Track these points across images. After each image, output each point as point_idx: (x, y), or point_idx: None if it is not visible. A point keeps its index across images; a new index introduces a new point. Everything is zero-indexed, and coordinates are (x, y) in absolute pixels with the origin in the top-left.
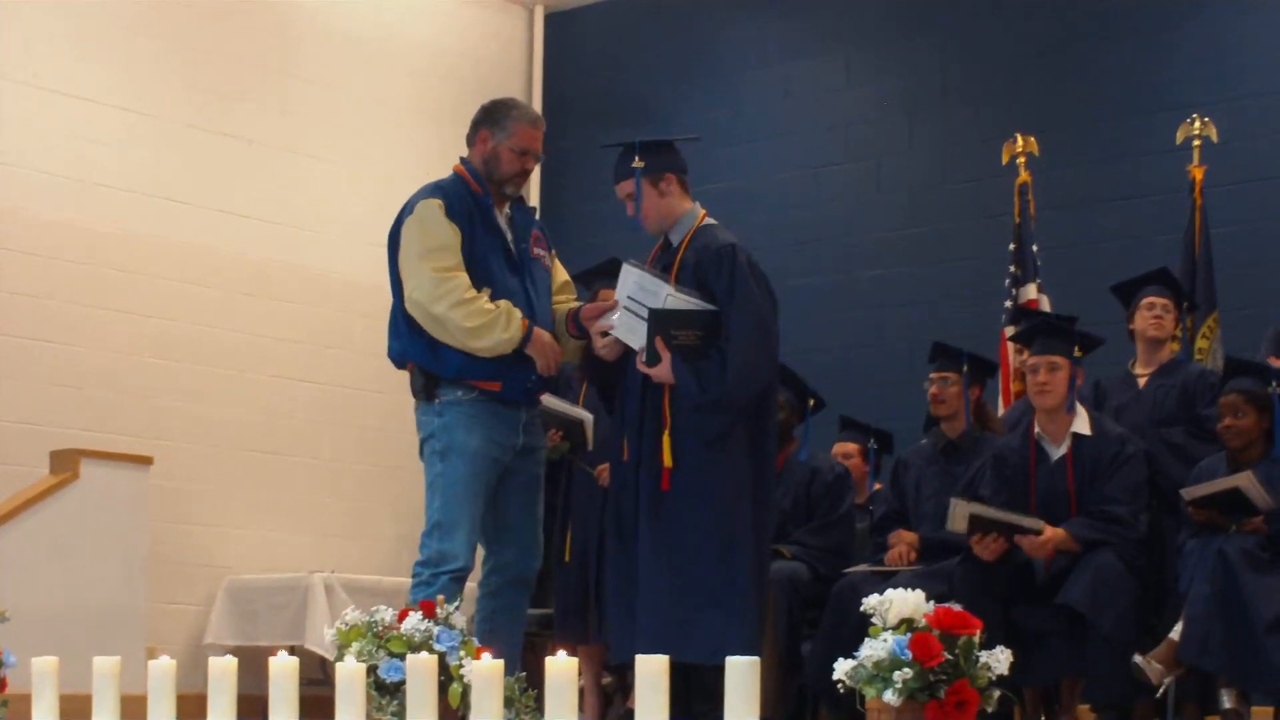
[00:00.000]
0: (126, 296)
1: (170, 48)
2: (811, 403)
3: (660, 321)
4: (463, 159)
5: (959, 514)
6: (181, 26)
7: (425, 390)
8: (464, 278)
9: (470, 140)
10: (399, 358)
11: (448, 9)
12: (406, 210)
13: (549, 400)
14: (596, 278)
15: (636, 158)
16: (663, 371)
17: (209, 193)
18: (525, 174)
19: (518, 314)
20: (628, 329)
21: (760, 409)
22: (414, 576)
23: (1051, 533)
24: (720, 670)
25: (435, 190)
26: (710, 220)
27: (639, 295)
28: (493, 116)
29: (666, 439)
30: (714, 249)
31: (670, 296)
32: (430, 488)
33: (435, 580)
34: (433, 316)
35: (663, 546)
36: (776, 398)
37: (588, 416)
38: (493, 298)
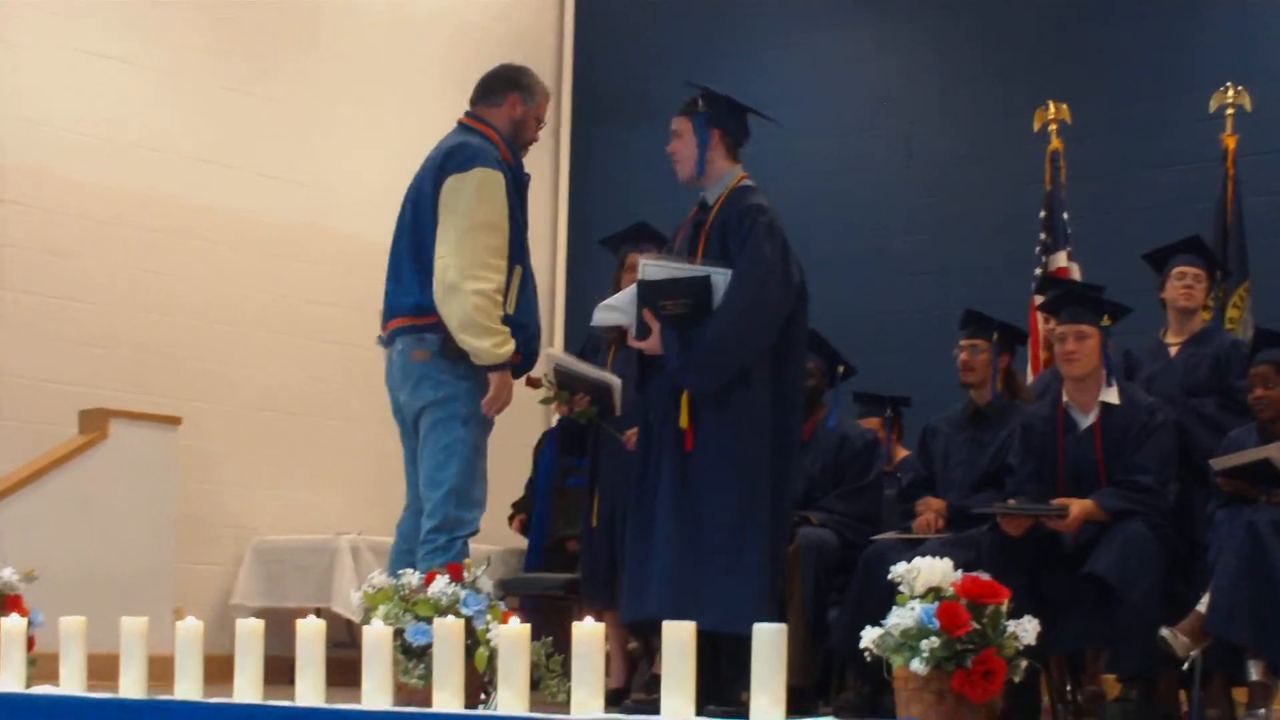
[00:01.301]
0: (155, 257)
1: (199, 11)
2: (842, 370)
3: (646, 293)
4: (487, 121)
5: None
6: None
7: (454, 349)
8: (503, 270)
9: (496, 101)
10: (418, 309)
11: None
12: (458, 166)
13: (577, 363)
14: (624, 242)
15: (700, 100)
16: (652, 343)
17: (237, 155)
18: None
19: (512, 345)
20: (621, 310)
21: (781, 373)
22: (428, 542)
23: (1079, 508)
24: (747, 637)
25: (490, 159)
26: (749, 182)
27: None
28: (521, 82)
29: (685, 401)
30: (741, 208)
31: (651, 267)
32: (446, 451)
33: (451, 546)
34: (455, 287)
35: (682, 510)
36: (802, 363)
37: (616, 381)
38: (523, 280)
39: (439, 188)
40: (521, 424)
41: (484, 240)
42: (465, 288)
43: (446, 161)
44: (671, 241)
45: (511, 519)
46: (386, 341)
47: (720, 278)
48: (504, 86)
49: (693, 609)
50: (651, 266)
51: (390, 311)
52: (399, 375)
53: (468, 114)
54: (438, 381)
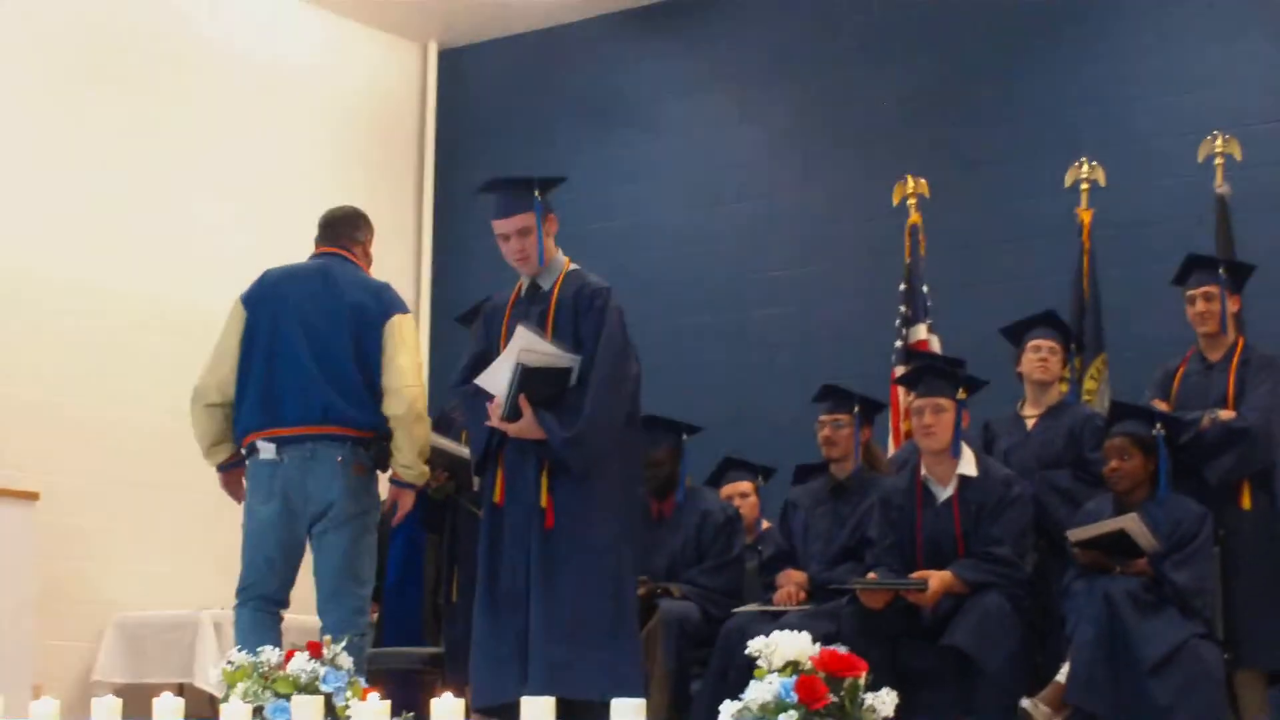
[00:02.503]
0: (9, 330)
1: (57, 75)
2: (685, 437)
3: (527, 380)
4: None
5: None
6: (71, 55)
7: (382, 461)
8: None
9: (360, 239)
10: (371, 426)
11: (342, 43)
12: (400, 306)
13: (437, 439)
14: (473, 318)
15: (538, 192)
16: (526, 425)
17: (96, 225)
18: None
19: None
20: (492, 379)
21: (625, 452)
22: (359, 635)
23: (938, 580)
24: (607, 709)
25: None
26: (575, 265)
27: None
28: (368, 222)
29: (545, 480)
30: (590, 289)
31: (529, 353)
32: (365, 555)
33: (367, 633)
34: (421, 417)
35: (552, 588)
36: (640, 434)
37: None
38: None
39: (384, 320)
40: None
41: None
42: (426, 418)
43: (384, 296)
44: (497, 325)
45: None
46: (301, 440)
47: (575, 366)
48: (362, 224)
49: (575, 683)
50: (529, 353)
51: (334, 418)
52: (325, 477)
53: (345, 248)
54: (364, 489)
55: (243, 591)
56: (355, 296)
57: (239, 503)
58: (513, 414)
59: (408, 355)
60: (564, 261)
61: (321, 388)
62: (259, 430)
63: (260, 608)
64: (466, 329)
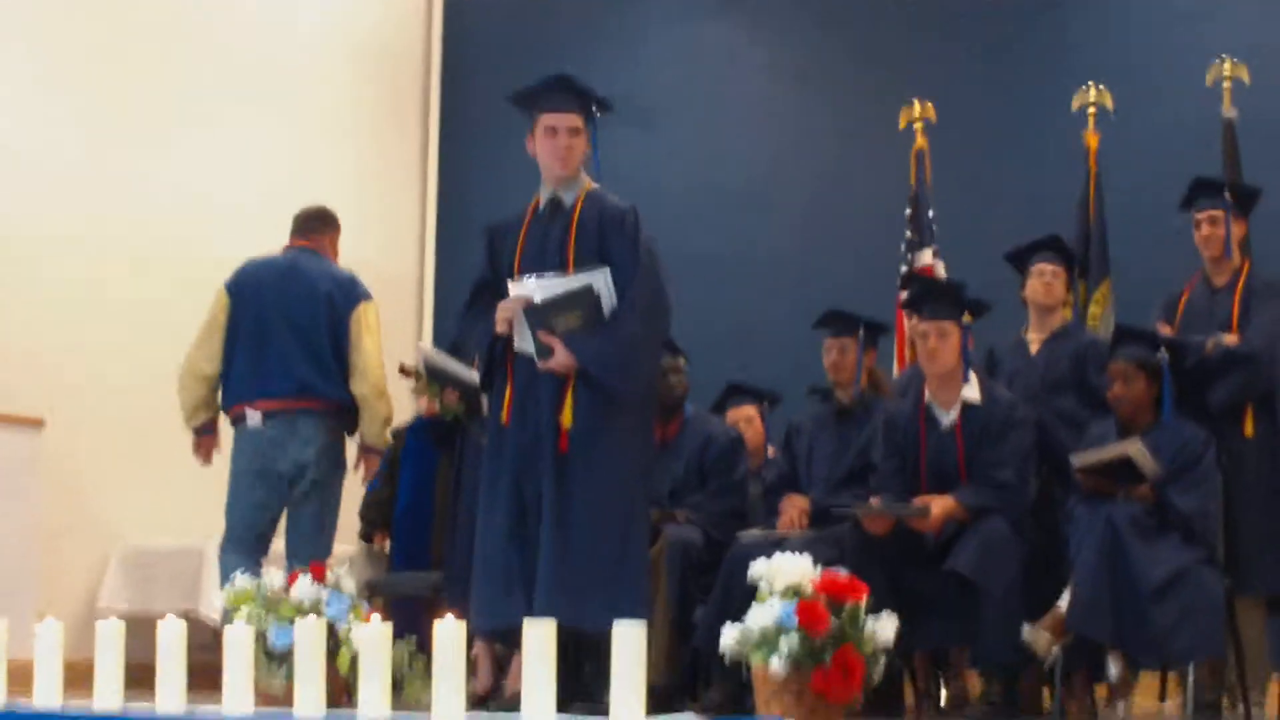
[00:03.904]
0: (22, 262)
1: (66, 19)
2: (766, 405)
3: (537, 316)
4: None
5: None
6: (84, 5)
7: (350, 427)
8: None
9: (326, 232)
10: (341, 399)
11: None
12: (365, 295)
13: (448, 360)
14: None
15: (596, 107)
16: (562, 358)
17: (105, 162)
18: None
19: None
20: (521, 338)
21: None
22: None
23: (940, 506)
24: (609, 636)
25: None
26: (595, 186)
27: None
28: (336, 220)
29: (568, 401)
30: (616, 210)
31: (525, 289)
32: (332, 512)
33: None
34: (383, 393)
35: (564, 512)
36: (660, 368)
37: None
38: None
39: (352, 308)
40: None
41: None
42: (387, 393)
43: (351, 286)
44: (511, 243)
45: (370, 536)
46: (283, 412)
47: (600, 281)
48: (330, 221)
49: (579, 611)
50: (525, 288)
51: (310, 393)
52: (302, 443)
53: (315, 242)
54: (338, 458)
55: (228, 541)
56: (326, 286)
57: (206, 464)
58: (543, 353)
59: (371, 339)
60: (586, 181)
61: (300, 366)
62: (247, 401)
63: (243, 551)
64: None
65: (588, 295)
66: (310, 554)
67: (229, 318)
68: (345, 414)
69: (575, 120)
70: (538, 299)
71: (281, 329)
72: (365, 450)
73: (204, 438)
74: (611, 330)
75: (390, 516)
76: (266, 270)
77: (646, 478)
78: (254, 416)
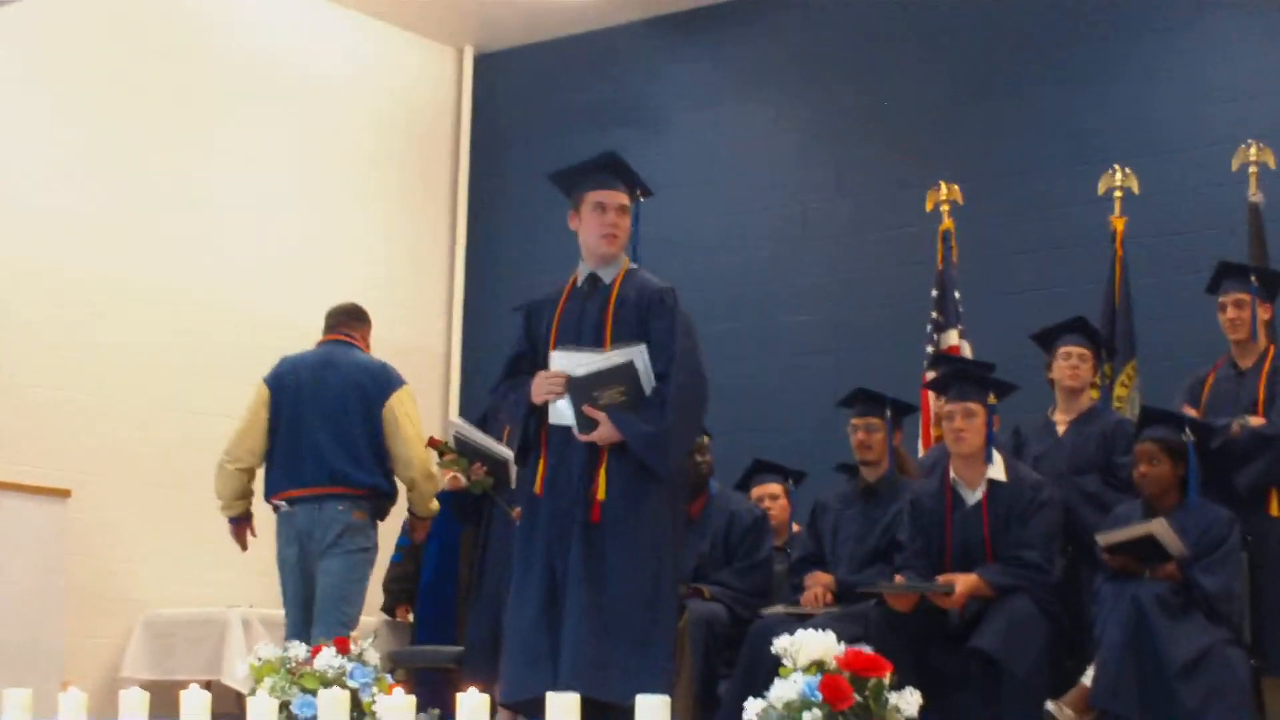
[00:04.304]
0: (48, 327)
1: (89, 74)
2: (792, 484)
3: (580, 390)
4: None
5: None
6: (113, 60)
7: (381, 512)
8: None
9: (360, 327)
10: (372, 485)
11: (378, 50)
12: (400, 382)
13: (477, 434)
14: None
15: (641, 191)
16: (605, 432)
17: (132, 225)
18: None
19: None
20: (560, 409)
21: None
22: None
23: (965, 584)
24: (633, 712)
25: None
26: (634, 265)
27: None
28: (367, 316)
29: (602, 474)
30: (655, 289)
31: (565, 361)
32: (357, 584)
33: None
34: (430, 476)
35: (593, 583)
36: (694, 444)
37: (511, 455)
38: None
39: (386, 397)
40: None
41: None
42: (433, 475)
43: (384, 374)
44: (548, 319)
45: (393, 609)
46: (313, 498)
47: (639, 358)
48: (360, 315)
49: (604, 683)
50: (565, 360)
51: (340, 480)
52: (328, 520)
53: (348, 335)
54: (364, 533)
55: (287, 631)
56: (358, 377)
57: (243, 549)
58: (584, 427)
59: (411, 424)
60: (625, 260)
61: (332, 456)
62: (283, 491)
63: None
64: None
65: (629, 371)
66: (330, 624)
67: (269, 411)
68: (377, 499)
69: (623, 198)
70: (580, 373)
71: (315, 420)
72: (416, 519)
73: (240, 525)
74: (655, 410)
75: (414, 589)
76: (302, 363)
77: (676, 553)
78: (286, 505)
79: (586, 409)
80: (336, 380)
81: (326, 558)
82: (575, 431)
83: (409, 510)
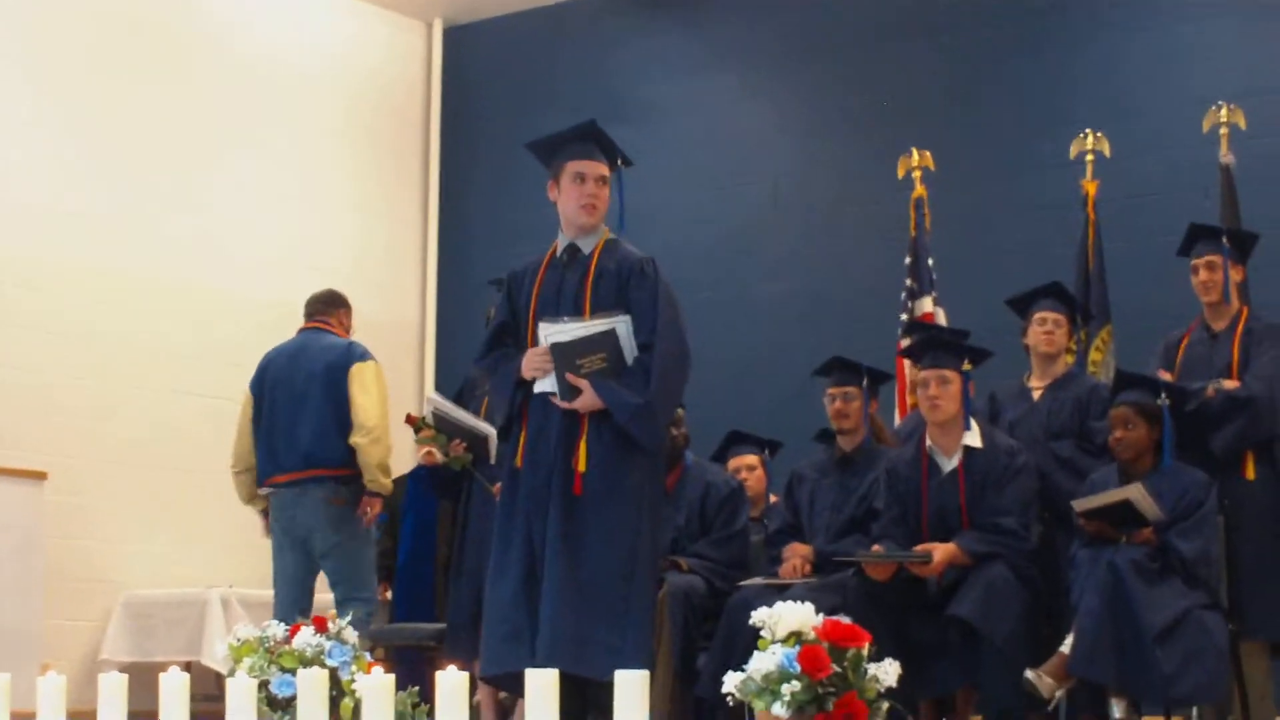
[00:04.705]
0: (22, 311)
1: (73, 59)
2: (768, 454)
3: (563, 356)
4: (334, 324)
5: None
6: (85, 44)
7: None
8: None
9: (334, 311)
10: (346, 464)
11: (346, 25)
12: (360, 356)
13: (455, 410)
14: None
15: (622, 160)
16: (588, 400)
17: (108, 208)
18: None
19: None
20: (548, 383)
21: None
22: (367, 613)
23: (942, 553)
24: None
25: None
26: (613, 235)
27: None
28: (346, 301)
29: (583, 446)
30: (636, 260)
31: (551, 330)
32: (361, 566)
33: (375, 610)
34: (378, 440)
35: (572, 556)
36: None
37: (491, 431)
38: None
39: (348, 368)
40: None
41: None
42: (382, 441)
43: (349, 350)
44: (528, 288)
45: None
46: (292, 484)
47: (621, 326)
48: (337, 301)
49: (581, 657)
50: (551, 329)
51: (314, 463)
52: (309, 509)
53: (324, 321)
54: (347, 520)
55: (275, 610)
56: (327, 357)
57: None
58: (566, 394)
59: (366, 395)
60: (604, 230)
61: (305, 440)
62: (266, 479)
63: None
64: (492, 295)
65: (611, 339)
66: (347, 606)
67: (253, 411)
68: (353, 479)
69: (602, 169)
70: (563, 339)
71: (288, 407)
72: (366, 495)
73: (267, 519)
74: (639, 379)
75: (391, 567)
76: (278, 356)
77: (655, 526)
78: (272, 491)
79: (569, 376)
80: (307, 366)
81: (325, 558)
82: (557, 399)
83: (364, 486)
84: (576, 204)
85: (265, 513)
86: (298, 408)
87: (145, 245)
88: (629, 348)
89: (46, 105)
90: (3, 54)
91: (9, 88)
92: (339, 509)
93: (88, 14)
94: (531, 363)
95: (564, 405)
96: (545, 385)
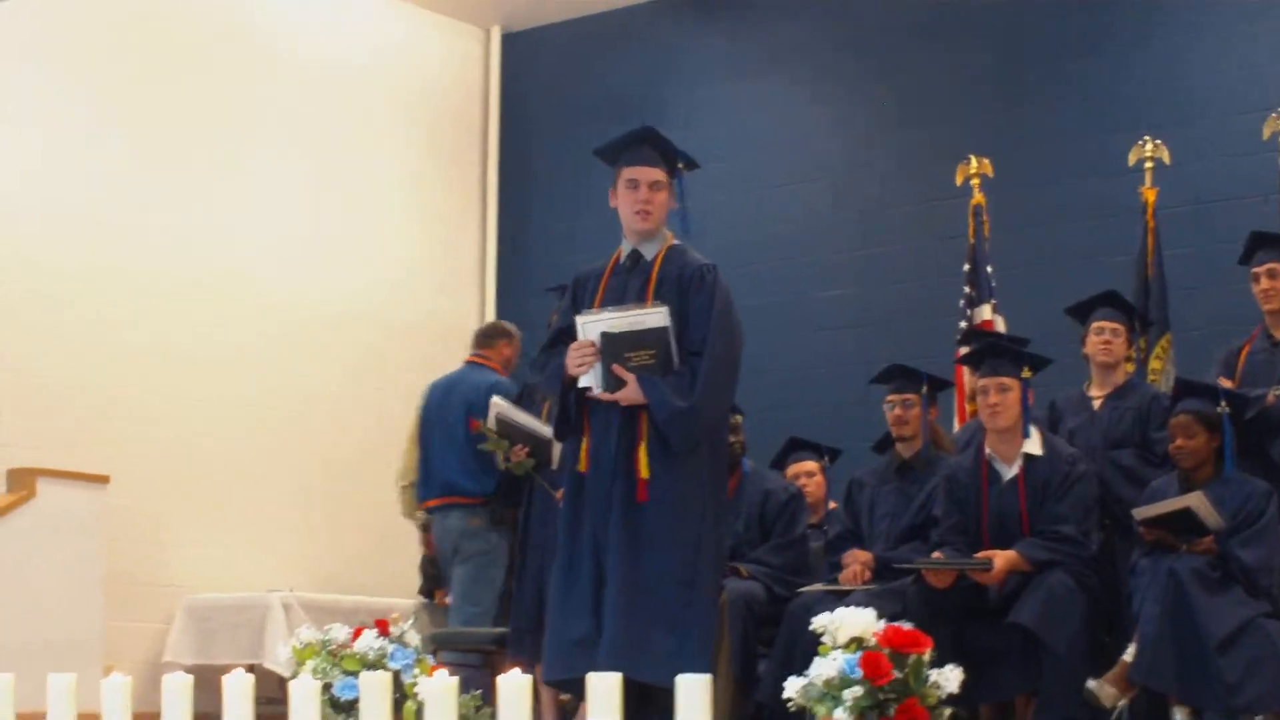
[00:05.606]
0: (85, 318)
1: (126, 69)
2: (828, 461)
3: (612, 346)
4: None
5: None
6: (142, 47)
7: (502, 517)
8: None
9: (492, 344)
10: (483, 494)
11: (405, 31)
12: (504, 390)
13: (519, 414)
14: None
15: (683, 164)
16: (630, 392)
17: (166, 214)
18: None
19: None
20: (591, 372)
21: (718, 434)
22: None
23: (1003, 560)
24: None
25: (504, 387)
26: (677, 241)
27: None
28: (509, 330)
29: (643, 451)
30: (697, 266)
31: (594, 323)
32: (481, 584)
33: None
34: None
35: (634, 562)
36: (730, 423)
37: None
38: None
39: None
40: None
41: None
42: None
43: (494, 390)
44: (591, 293)
45: (431, 592)
46: (439, 509)
47: (658, 317)
48: (496, 334)
49: (642, 662)
50: (595, 322)
51: (454, 491)
52: (450, 532)
53: (483, 356)
54: (484, 540)
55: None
56: (473, 396)
57: (427, 552)
58: (610, 385)
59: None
60: (668, 236)
61: (446, 470)
62: (422, 502)
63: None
64: (552, 303)
65: (663, 335)
66: (459, 621)
67: (418, 433)
68: (489, 505)
69: (657, 174)
70: (614, 329)
71: (436, 439)
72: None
73: (425, 535)
74: (684, 382)
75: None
76: (436, 387)
77: (716, 531)
78: (427, 513)
79: (615, 368)
80: (456, 400)
81: (454, 564)
82: (598, 389)
83: None
84: (630, 210)
85: (425, 528)
86: (445, 440)
87: (206, 251)
88: (675, 347)
89: (95, 114)
90: (41, 50)
91: (45, 99)
92: (475, 528)
93: (146, 20)
94: (573, 357)
95: (604, 397)
96: (588, 380)
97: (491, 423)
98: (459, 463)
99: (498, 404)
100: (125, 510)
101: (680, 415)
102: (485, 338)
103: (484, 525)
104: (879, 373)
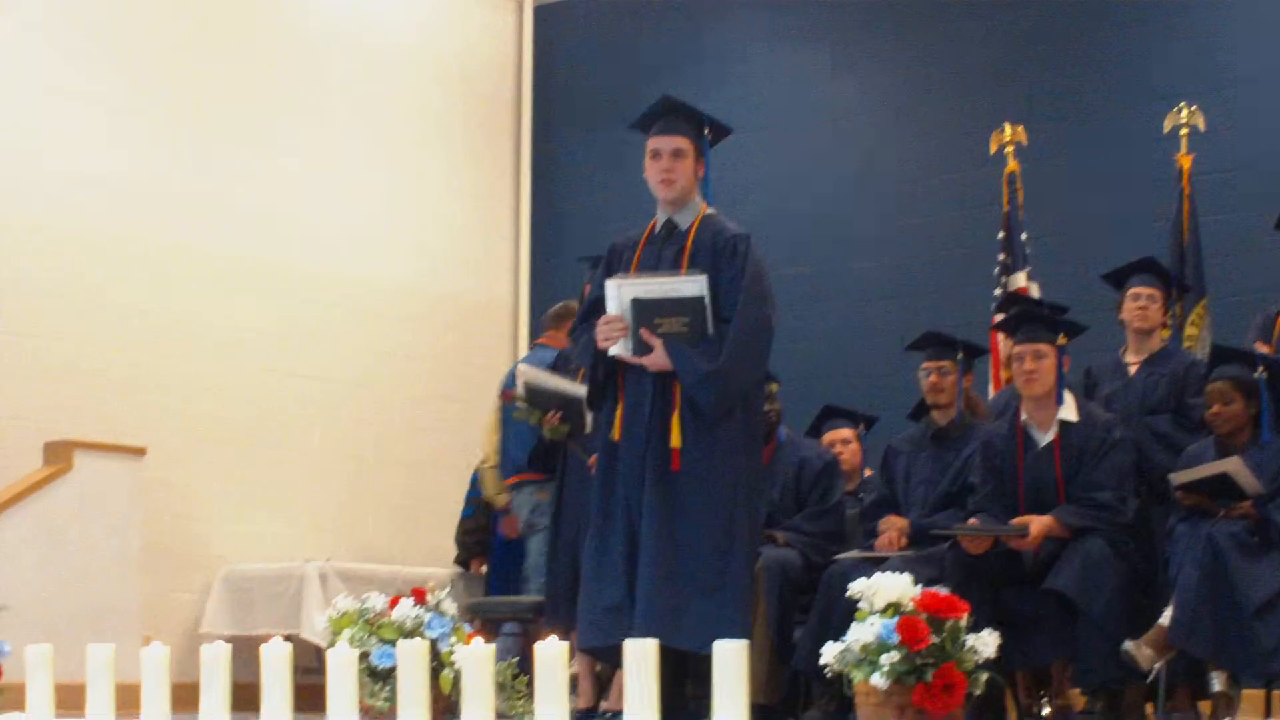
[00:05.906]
0: (121, 291)
1: (160, 47)
2: (864, 428)
3: (643, 311)
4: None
5: None
6: (178, 25)
7: None
8: None
9: (558, 326)
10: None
11: (438, 6)
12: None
13: (549, 379)
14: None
15: (709, 130)
16: (657, 358)
17: (202, 190)
18: None
19: None
20: (622, 341)
21: (752, 402)
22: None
23: (1039, 526)
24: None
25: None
26: (712, 210)
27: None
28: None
29: (676, 419)
30: (730, 236)
31: (629, 286)
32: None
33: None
34: None
35: (667, 530)
36: (764, 388)
37: (585, 392)
38: None
39: None
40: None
41: None
42: None
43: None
44: (626, 262)
45: (467, 562)
46: (515, 486)
47: (693, 285)
48: (563, 316)
49: (678, 629)
50: (630, 285)
51: (525, 469)
52: (522, 505)
53: (546, 335)
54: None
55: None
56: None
57: (510, 536)
58: (639, 349)
59: None
60: (702, 205)
61: (517, 450)
62: (505, 478)
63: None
64: (588, 266)
65: (699, 305)
66: (534, 589)
67: (499, 416)
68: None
69: (678, 143)
70: (649, 295)
71: (510, 419)
72: None
73: (505, 516)
74: (713, 348)
75: (486, 542)
76: (512, 370)
77: (752, 499)
78: (508, 490)
79: (644, 333)
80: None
81: (527, 538)
82: (625, 356)
83: None
84: (654, 179)
85: (505, 509)
86: (515, 421)
87: (238, 226)
88: (710, 316)
89: (130, 90)
90: (80, 30)
91: (81, 72)
92: (545, 502)
93: (187, 13)
94: (603, 330)
95: (630, 360)
96: (617, 349)
97: (521, 390)
98: (523, 445)
99: (524, 371)
100: (162, 482)
101: (707, 379)
102: (551, 319)
103: (550, 500)
104: (914, 340)
